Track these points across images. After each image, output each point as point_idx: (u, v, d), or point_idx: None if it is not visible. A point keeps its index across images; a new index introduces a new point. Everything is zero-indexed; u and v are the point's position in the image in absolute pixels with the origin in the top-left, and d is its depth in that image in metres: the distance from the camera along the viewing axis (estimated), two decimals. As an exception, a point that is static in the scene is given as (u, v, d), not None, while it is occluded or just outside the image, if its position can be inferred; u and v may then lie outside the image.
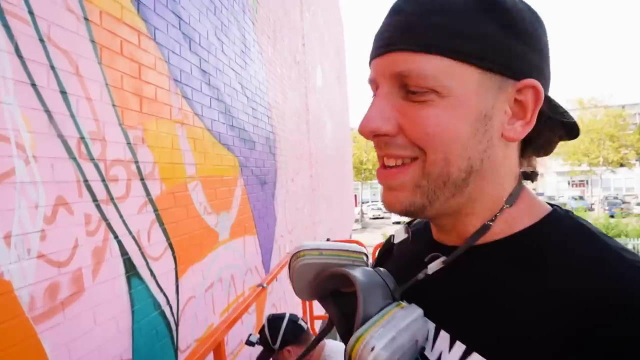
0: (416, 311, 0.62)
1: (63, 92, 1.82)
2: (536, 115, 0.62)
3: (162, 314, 2.45)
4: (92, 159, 1.95)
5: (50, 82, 1.76)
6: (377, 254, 0.85)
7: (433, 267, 0.66)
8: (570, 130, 0.68)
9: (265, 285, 2.94)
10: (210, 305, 3.10)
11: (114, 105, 2.14)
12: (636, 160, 44.27)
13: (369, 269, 0.70)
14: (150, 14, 2.53)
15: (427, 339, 0.63)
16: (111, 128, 2.11)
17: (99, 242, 1.96)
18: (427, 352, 0.64)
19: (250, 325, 3.90)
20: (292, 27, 6.96)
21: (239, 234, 3.84)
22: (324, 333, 0.83)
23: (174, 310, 2.59)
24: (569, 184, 55.98)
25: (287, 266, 0.79)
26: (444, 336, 0.62)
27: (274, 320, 2.57)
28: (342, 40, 17.12)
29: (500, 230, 0.64)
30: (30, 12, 1.67)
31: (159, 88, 2.58)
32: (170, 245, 2.58)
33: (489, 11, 0.58)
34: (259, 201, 4.52)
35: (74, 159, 1.84)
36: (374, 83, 0.65)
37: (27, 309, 1.58)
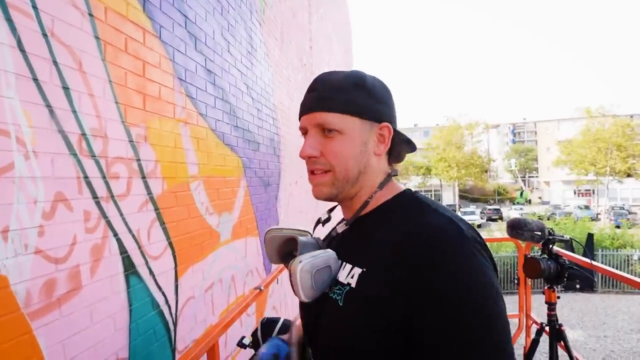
0: (329, 251, 1.06)
1: (65, 88, 1.81)
2: (389, 140, 1.12)
3: (160, 313, 2.43)
4: (93, 156, 1.94)
5: (52, 78, 1.75)
6: (313, 228, 1.26)
7: (339, 228, 1.16)
8: (410, 146, 1.19)
9: (262, 288, 2.91)
10: (209, 306, 3.08)
11: (116, 103, 2.13)
12: (643, 171, 43.93)
13: (308, 237, 1.17)
14: (156, 11, 2.53)
15: (338, 269, 1.05)
16: (113, 125, 2.10)
17: (97, 240, 1.95)
18: (339, 277, 1.05)
19: (249, 327, 3.88)
20: (300, 29, 6.95)
21: (241, 235, 3.83)
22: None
23: (173, 310, 2.57)
24: (575, 193, 55.78)
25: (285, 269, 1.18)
26: (345, 265, 1.05)
27: (268, 324, 2.54)
28: (350, 43, 17.09)
29: (374, 204, 1.12)
30: (34, 7, 1.67)
31: (163, 86, 2.57)
32: (170, 244, 2.57)
33: (359, 88, 1.08)
34: (261, 203, 4.50)
35: (75, 155, 1.84)
36: (304, 129, 1.12)
37: (23, 304, 1.56)
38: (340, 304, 1.00)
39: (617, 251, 16.46)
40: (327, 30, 10.01)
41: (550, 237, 3.24)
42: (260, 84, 4.65)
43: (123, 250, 2.12)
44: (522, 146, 76.38)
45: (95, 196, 1.94)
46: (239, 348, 3.42)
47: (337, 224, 1.19)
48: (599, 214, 40.88)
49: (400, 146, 1.17)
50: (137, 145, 2.27)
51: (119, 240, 2.09)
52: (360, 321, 0.94)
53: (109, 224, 2.02)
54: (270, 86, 5.02)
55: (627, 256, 15.96)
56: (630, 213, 37.71)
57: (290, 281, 0.99)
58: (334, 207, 1.29)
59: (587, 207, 43.60)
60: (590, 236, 16.05)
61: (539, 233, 3.21)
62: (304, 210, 6.49)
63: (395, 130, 1.13)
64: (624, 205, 44.73)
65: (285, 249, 1.21)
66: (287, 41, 5.96)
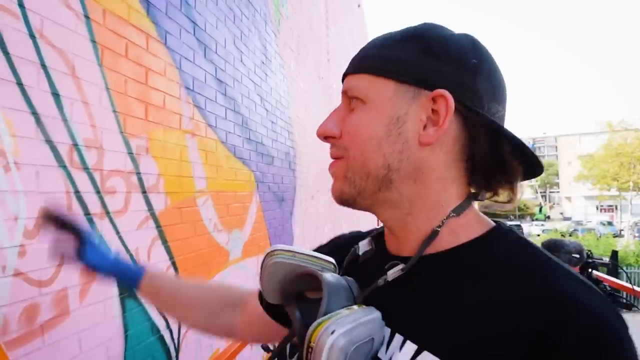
0: (375, 312, 0.68)
1: (55, 94, 1.66)
2: (447, 121, 0.69)
3: (161, 339, 2.25)
4: (85, 168, 1.78)
5: (40, 82, 1.60)
6: (344, 263, 0.86)
7: (392, 273, 0.73)
8: (529, 162, 0.75)
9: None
10: (217, 329, 2.89)
11: (114, 111, 1.97)
12: (668, 186, 43.11)
13: (337, 275, 0.75)
14: (161, 16, 2.38)
15: (382, 341, 0.68)
16: (110, 135, 1.94)
17: (89, 260, 1.78)
18: (380, 355, 0.69)
19: (257, 351, 3.68)
20: (317, 42, 6.82)
21: (252, 253, 3.64)
22: (285, 341, 0.84)
23: (175, 335, 2.38)
24: (597, 208, 54.88)
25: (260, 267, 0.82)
26: (398, 338, 0.69)
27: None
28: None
29: (447, 238, 0.72)
30: (21, 5, 1.52)
31: (168, 95, 2.42)
32: (173, 264, 2.39)
33: (410, 40, 0.72)
34: (275, 219, 4.32)
35: (64, 167, 1.67)
36: None
37: (0, 332, 1.39)
38: None
39: (616, 266, 16.00)
40: (345, 44, 9.88)
41: (590, 261, 2.99)
42: (275, 96, 4.49)
43: (119, 272, 1.95)
44: (542, 161, 75.43)
45: (87, 212, 1.77)
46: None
47: (380, 259, 0.80)
48: (622, 230, 40.04)
49: (491, 145, 0.72)
50: (137, 157, 2.11)
51: (114, 261, 1.92)
52: None
53: (103, 242, 1.85)
54: (286, 98, 4.86)
55: (627, 272, 15.48)
56: (655, 229, 36.72)
57: (306, 357, 0.62)
58: (376, 231, 0.90)
59: (610, 223, 42.60)
60: (614, 253, 15.63)
61: (577, 256, 2.96)
62: (320, 227, 6.30)
63: (473, 111, 0.70)
64: (648, 221, 43.67)
65: (293, 286, 0.79)
66: (303, 53, 5.82)
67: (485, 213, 0.80)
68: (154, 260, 2.20)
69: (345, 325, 0.61)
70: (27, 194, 1.51)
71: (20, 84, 1.51)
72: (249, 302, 1.14)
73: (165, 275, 1.48)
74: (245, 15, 3.71)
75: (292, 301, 0.78)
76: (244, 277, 3.41)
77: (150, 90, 2.25)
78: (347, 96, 0.76)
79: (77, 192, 1.72)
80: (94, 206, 1.81)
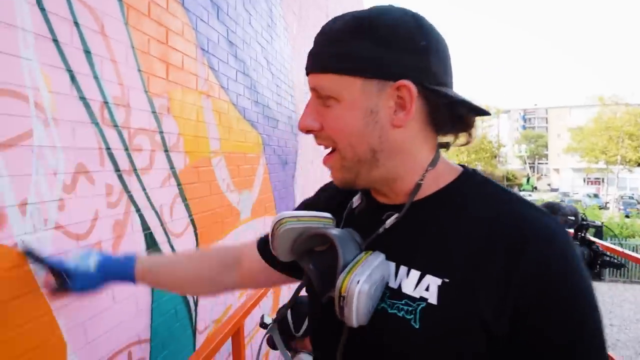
0: (380, 256, 0.82)
1: (87, 52, 1.68)
2: (413, 106, 0.80)
3: (182, 293, 2.33)
4: (115, 126, 1.81)
5: (74, 40, 1.62)
6: (343, 216, 0.98)
7: (389, 222, 0.86)
8: (473, 110, 0.87)
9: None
10: (228, 286, 2.98)
11: (139, 70, 2.00)
12: (655, 160, 43.60)
13: (340, 229, 0.89)
14: (179, -24, 2.38)
15: (390, 275, 0.84)
16: (136, 94, 1.97)
17: (120, 215, 1.83)
18: (391, 284, 0.84)
19: (266, 307, 3.79)
20: (318, 6, 6.76)
21: (260, 213, 3.71)
22: (301, 286, 0.94)
23: (194, 290, 2.46)
24: (584, 181, 55.41)
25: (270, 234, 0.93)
26: (403, 269, 0.83)
27: (298, 306, 2.44)
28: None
29: (429, 186, 0.86)
30: (55, -38, 1.53)
31: (185, 56, 2.44)
32: (192, 221, 2.45)
33: (361, 33, 0.79)
34: (279, 181, 4.38)
35: (97, 124, 1.71)
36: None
37: (42, 284, 1.45)
38: (416, 326, 0.78)
39: (625, 240, 16.33)
40: (344, 9, 9.78)
41: (584, 223, 3.12)
42: (280, 60, 4.50)
43: (146, 227, 2.01)
44: (532, 132, 75.62)
45: (117, 169, 1.82)
46: (257, 328, 3.34)
47: (372, 210, 0.93)
48: (608, 202, 40.64)
49: (449, 110, 0.84)
50: (160, 116, 2.14)
51: (141, 216, 1.98)
52: (455, 351, 0.76)
53: (131, 198, 1.90)
54: (289, 62, 4.86)
55: (636, 246, 15.83)
56: (639, 203, 37.31)
57: (339, 304, 0.76)
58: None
59: (596, 196, 43.21)
60: (582, 215, 15.94)
61: (573, 218, 3.09)
62: (318, 191, 6.35)
63: (431, 90, 0.80)
64: (633, 194, 44.26)
65: (302, 245, 0.90)
66: (305, 17, 5.79)
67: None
68: (175, 217, 2.25)
69: (364, 273, 0.75)
70: (64, 149, 1.54)
71: (55, 40, 1.53)
72: (244, 259, 1.27)
73: (155, 258, 1.60)
74: (254, -24, 3.69)
75: (305, 257, 0.90)
76: (253, 236, 3.46)
77: (170, 51, 2.27)
78: (318, 94, 0.83)
79: (108, 148, 1.76)
80: (123, 163, 1.86)
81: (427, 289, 0.78)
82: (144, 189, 1.99)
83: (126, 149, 1.87)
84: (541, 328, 0.72)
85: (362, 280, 0.74)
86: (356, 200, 0.99)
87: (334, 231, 0.84)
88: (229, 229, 2.98)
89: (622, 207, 34.64)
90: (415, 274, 0.81)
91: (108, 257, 1.32)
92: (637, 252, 15.51)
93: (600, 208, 33.24)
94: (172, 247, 2.21)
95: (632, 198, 40.32)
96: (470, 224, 0.79)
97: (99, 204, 1.70)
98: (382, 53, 0.78)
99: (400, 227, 0.85)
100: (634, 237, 20.52)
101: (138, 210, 1.95)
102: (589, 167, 45.93)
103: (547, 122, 73.01)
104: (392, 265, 0.84)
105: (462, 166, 0.92)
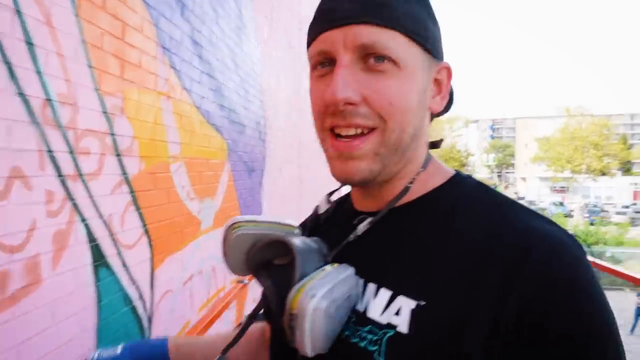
0: (348, 269, 0.67)
1: (29, 44, 1.52)
2: (448, 92, 0.74)
3: (134, 309, 2.15)
4: (59, 126, 1.65)
5: (14, 29, 1.46)
6: (307, 224, 0.86)
7: (362, 227, 0.72)
8: (451, 101, 0.78)
9: (246, 281, 2.67)
10: (188, 300, 2.81)
11: (90, 67, 1.84)
12: (618, 170, 45.02)
13: (303, 237, 0.73)
14: (139, -32, 2.22)
15: (358, 295, 0.68)
16: (85, 92, 1.80)
17: (62, 225, 1.66)
18: (357, 306, 0.68)
19: (229, 321, 3.63)
20: (289, 10, 6.65)
21: (223, 223, 3.54)
22: (257, 309, 0.83)
23: (148, 306, 2.29)
24: (550, 189, 56.56)
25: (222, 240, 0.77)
26: (371, 287, 0.68)
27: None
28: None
29: (415, 190, 0.72)
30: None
31: (144, 54, 2.28)
32: (146, 232, 2.28)
33: (422, 0, 0.69)
34: (245, 189, 4.23)
35: (37, 123, 1.54)
36: (324, 55, 0.68)
37: None
38: None
39: (590, 248, 16.67)
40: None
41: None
42: (249, 63, 4.36)
43: (92, 238, 1.84)
44: (500, 142, 77.28)
45: (60, 174, 1.65)
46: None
47: (347, 216, 0.79)
48: (573, 210, 41.57)
49: (450, 88, 0.77)
50: (112, 117, 1.98)
51: (87, 226, 1.81)
52: None
53: (75, 207, 1.74)
54: (259, 66, 4.72)
55: (600, 253, 16.18)
56: (602, 211, 38.31)
57: (289, 325, 0.60)
58: (335, 191, 0.88)
59: (561, 204, 44.17)
60: None
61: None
62: (287, 199, 6.23)
63: (447, 66, 0.74)
64: (597, 203, 45.43)
65: (259, 255, 0.75)
66: (276, 19, 5.66)
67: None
68: (127, 227, 2.09)
69: (324, 286, 0.61)
70: (-3, 150, 1.38)
71: (-10, 29, 1.37)
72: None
73: (190, 339, 1.24)
74: (222, -25, 3.55)
75: (261, 270, 0.74)
76: (214, 247, 3.32)
77: (126, 47, 2.11)
78: (365, 53, 0.64)
79: (50, 151, 1.59)
80: (67, 167, 1.69)
81: (397, 314, 0.63)
82: (90, 196, 1.82)
83: (71, 152, 1.71)
84: None
85: (320, 295, 0.59)
86: (323, 205, 0.85)
87: (295, 239, 0.69)
88: (188, 239, 2.82)
89: (587, 215, 35.43)
90: (385, 293, 0.66)
91: (137, 341, 1.08)
92: (601, 259, 15.95)
93: (566, 216, 34.03)
94: (122, 259, 2.04)
95: (597, 206, 41.38)
96: (458, 236, 0.64)
97: (36, 212, 1.53)
98: (433, 28, 0.70)
99: (374, 236, 0.72)
100: (598, 244, 21.04)
101: (83, 219, 1.78)
102: (555, 176, 47.02)
103: (514, 132, 74.55)
104: (361, 282, 0.69)
105: (455, 170, 0.78)
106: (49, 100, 1.59)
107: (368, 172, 0.68)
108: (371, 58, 0.64)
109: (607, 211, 39.74)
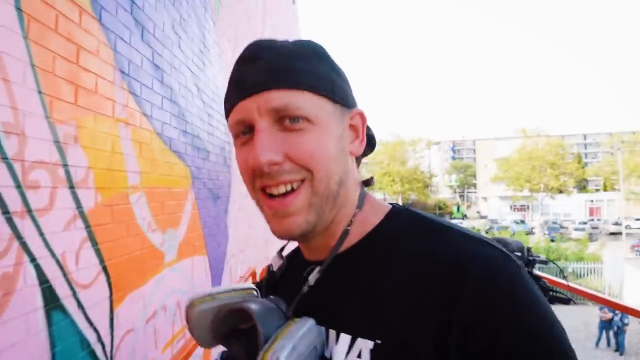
0: (309, 321, 0.70)
1: (-32, 68, 1.38)
2: (364, 134, 0.79)
3: (92, 353, 1.97)
4: (4, 158, 1.50)
5: (-51, 53, 1.32)
6: (263, 284, 0.87)
7: (312, 278, 0.74)
8: (372, 143, 0.86)
9: None
10: (151, 338, 2.63)
11: (40, 92, 1.69)
12: (574, 188, 46.46)
13: (261, 299, 0.78)
14: (95, -11, 2.10)
15: (323, 343, 0.70)
16: (34, 120, 1.66)
17: (8, 267, 1.50)
18: (325, 354, 0.70)
19: (197, 357, 3.44)
20: (253, 34, 6.59)
21: (188, 254, 3.38)
22: None
23: (107, 348, 2.11)
24: (511, 208, 57.79)
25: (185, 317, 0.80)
26: (332, 333, 0.71)
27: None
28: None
29: (356, 232, 0.76)
30: None
31: (100, 78, 2.14)
32: (104, 269, 2.11)
33: (323, 59, 0.75)
34: (210, 217, 4.07)
35: (-22, 156, 1.39)
36: (242, 124, 0.72)
37: None
38: None
39: (552, 264, 16.97)
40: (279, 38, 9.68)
41: (531, 259, 3.02)
42: (212, 87, 4.25)
43: (43, 280, 1.67)
44: (461, 163, 78.96)
45: (6, 211, 1.49)
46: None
47: (299, 269, 0.81)
48: (534, 228, 42.40)
49: (368, 141, 0.84)
50: (64, 147, 1.83)
51: (37, 267, 1.64)
52: None
53: (24, 246, 1.58)
54: (223, 90, 4.61)
55: (562, 268, 16.48)
56: (562, 227, 39.17)
57: None
58: (284, 246, 0.91)
59: (522, 222, 44.96)
60: (528, 249, 16.57)
61: (519, 254, 2.97)
62: (253, 225, 6.07)
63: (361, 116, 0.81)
64: (556, 220, 46.49)
65: (224, 325, 0.79)
66: (240, 44, 5.58)
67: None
68: (82, 265, 1.92)
69: (286, 346, 0.63)
70: None
71: None
72: None
73: None
74: (184, -2, 3.45)
75: (230, 339, 0.79)
76: (179, 280, 3.16)
77: (81, 71, 1.98)
78: (280, 116, 0.69)
79: (-7, 186, 1.44)
80: (14, 203, 1.53)
81: (359, 356, 0.67)
82: (41, 234, 1.66)
83: (18, 186, 1.55)
84: None
85: (284, 356, 0.62)
86: (276, 262, 0.87)
87: (252, 304, 0.72)
88: (150, 274, 2.65)
89: (547, 232, 36.11)
90: (345, 338, 0.69)
91: None
92: (563, 275, 16.25)
93: (527, 234, 34.61)
94: (78, 301, 1.87)
95: (556, 223, 42.31)
96: (402, 269, 0.69)
97: (-23, 255, 1.37)
98: (339, 80, 0.76)
99: (326, 284, 0.75)
100: (559, 260, 21.46)
101: (33, 259, 1.62)
102: (515, 195, 48.19)
103: (474, 153, 76.32)
104: (323, 330, 0.72)
105: (390, 203, 0.83)
106: (-8, 129, 1.45)
107: (305, 225, 0.72)
108: (286, 120, 0.69)
109: (566, 227, 40.64)
